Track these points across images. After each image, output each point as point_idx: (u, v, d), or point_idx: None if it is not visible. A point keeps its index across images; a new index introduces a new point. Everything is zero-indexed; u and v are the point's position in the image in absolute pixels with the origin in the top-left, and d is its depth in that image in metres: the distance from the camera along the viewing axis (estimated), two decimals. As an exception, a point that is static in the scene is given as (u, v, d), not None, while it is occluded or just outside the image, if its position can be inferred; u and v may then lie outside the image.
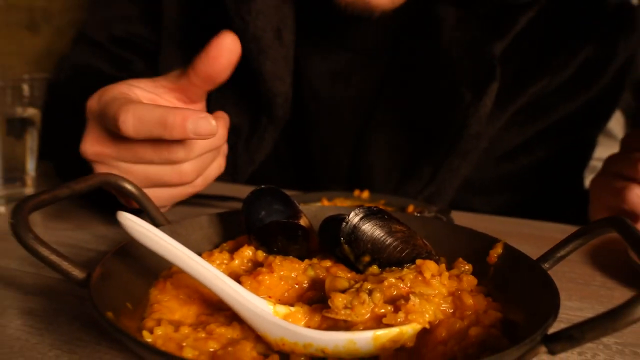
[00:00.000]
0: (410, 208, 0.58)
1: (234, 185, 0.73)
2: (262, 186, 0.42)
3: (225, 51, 0.44)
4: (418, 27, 0.67)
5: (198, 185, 0.51)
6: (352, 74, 0.72)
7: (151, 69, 0.77)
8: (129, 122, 0.42)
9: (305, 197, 0.63)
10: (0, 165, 0.64)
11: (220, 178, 0.74)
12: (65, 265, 0.31)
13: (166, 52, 0.75)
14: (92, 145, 0.47)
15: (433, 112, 0.67)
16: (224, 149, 0.52)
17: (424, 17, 0.67)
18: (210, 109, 0.72)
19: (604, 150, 0.87)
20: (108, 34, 0.77)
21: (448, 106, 0.65)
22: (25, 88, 0.63)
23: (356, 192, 0.64)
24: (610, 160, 0.56)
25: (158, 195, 0.48)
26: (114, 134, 0.45)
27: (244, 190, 0.64)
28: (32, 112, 0.65)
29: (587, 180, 0.89)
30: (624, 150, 0.55)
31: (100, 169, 0.48)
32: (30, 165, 0.66)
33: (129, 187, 0.43)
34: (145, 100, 0.47)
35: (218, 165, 0.52)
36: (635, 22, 0.68)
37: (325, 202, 0.62)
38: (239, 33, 0.64)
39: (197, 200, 0.63)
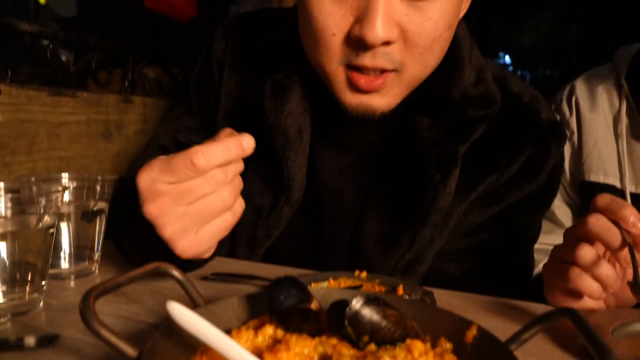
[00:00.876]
0: (400, 289, 0.57)
1: (254, 264, 0.73)
2: (283, 275, 0.42)
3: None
4: (400, 132, 0.71)
5: (237, 212, 0.53)
6: (353, 170, 0.75)
7: None
8: (201, 157, 0.46)
9: (316, 276, 0.62)
10: (73, 246, 0.65)
11: (242, 250, 0.75)
12: (121, 345, 0.31)
13: None
14: (153, 202, 0.49)
15: (411, 191, 0.69)
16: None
17: (404, 127, 0.71)
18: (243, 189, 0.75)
19: (556, 237, 0.86)
20: (173, 140, 0.81)
21: (422, 186, 0.68)
22: (98, 187, 0.65)
23: (356, 272, 0.64)
24: (555, 249, 0.57)
25: (212, 232, 0.51)
26: (169, 186, 0.48)
27: (265, 269, 0.63)
28: (102, 205, 0.66)
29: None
30: (565, 241, 0.56)
31: (161, 222, 0.49)
32: (97, 245, 0.67)
33: (175, 272, 0.43)
34: None
35: (240, 201, 0.54)
36: (562, 132, 0.72)
37: (332, 281, 0.61)
38: (272, 128, 0.70)
39: (228, 278, 0.62)
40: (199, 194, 0.49)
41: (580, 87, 0.91)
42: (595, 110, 0.87)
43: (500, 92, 0.70)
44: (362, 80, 0.60)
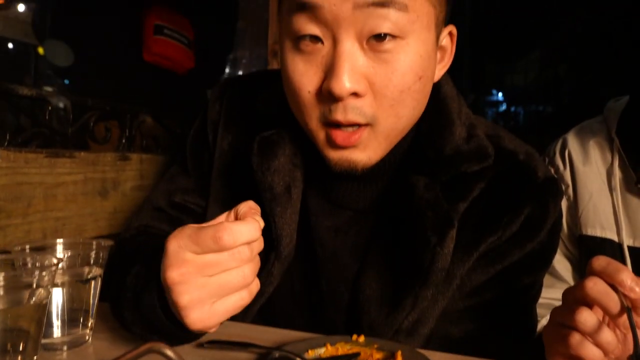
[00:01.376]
0: (399, 356, 0.56)
1: (252, 327, 0.72)
2: (276, 352, 0.42)
3: None
4: (397, 191, 0.72)
5: (253, 291, 0.54)
6: (350, 228, 0.75)
7: None
8: (228, 235, 0.48)
9: (312, 342, 0.61)
10: (66, 313, 0.64)
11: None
12: None
13: (210, 212, 0.79)
14: (177, 268, 0.50)
15: (409, 253, 0.69)
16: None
17: (401, 183, 0.71)
18: None
19: (557, 291, 0.86)
20: (168, 201, 0.81)
21: (420, 248, 0.67)
22: (93, 255, 0.64)
23: (354, 337, 0.63)
24: (555, 312, 0.56)
25: (227, 307, 0.51)
26: (195, 256, 0.49)
27: (262, 333, 0.62)
28: (97, 271, 0.66)
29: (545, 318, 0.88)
30: (564, 303, 0.55)
31: (180, 289, 0.50)
32: (92, 311, 0.66)
33: (169, 352, 0.43)
34: None
35: (257, 281, 0.55)
36: (559, 189, 0.72)
37: (329, 347, 0.60)
38: (258, 184, 0.70)
39: (224, 346, 0.61)
40: (223, 268, 0.50)
41: (573, 141, 0.91)
42: (589, 164, 0.88)
43: (495, 150, 0.71)
44: (339, 137, 0.62)
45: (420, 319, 0.69)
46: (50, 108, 0.94)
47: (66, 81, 2.13)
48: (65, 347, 0.62)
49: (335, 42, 0.58)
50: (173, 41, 1.63)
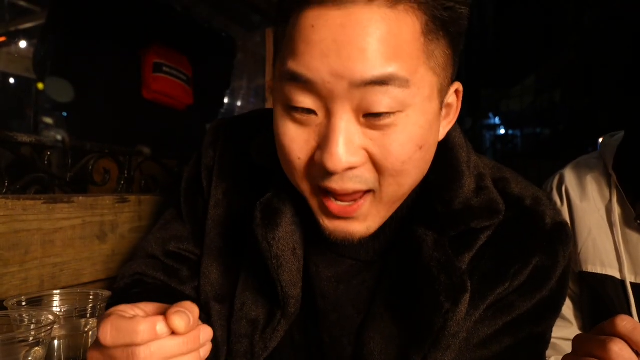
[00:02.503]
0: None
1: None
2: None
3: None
4: (403, 244, 0.69)
5: None
6: (352, 278, 0.72)
7: (194, 275, 0.79)
8: (107, 332, 0.43)
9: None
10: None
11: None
12: None
13: (205, 262, 0.77)
14: (91, 351, 0.47)
15: (418, 313, 0.66)
16: None
17: (405, 235, 0.68)
18: (236, 300, 0.73)
19: (559, 330, 0.85)
20: (163, 250, 0.80)
21: (430, 311, 0.65)
22: (90, 307, 0.64)
23: (355, 388, 0.62)
24: (579, 341, 0.54)
25: None
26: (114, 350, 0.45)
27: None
28: (94, 323, 0.65)
29: None
30: (575, 354, 0.54)
31: None
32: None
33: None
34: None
35: None
36: (568, 235, 0.70)
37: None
38: (264, 252, 0.68)
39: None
40: None
41: (570, 177, 0.91)
42: (587, 200, 0.88)
43: (500, 195, 0.69)
44: (335, 208, 0.59)
45: None
46: (49, 153, 0.94)
47: (64, 114, 2.15)
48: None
49: (329, 114, 0.55)
50: (172, 78, 1.65)
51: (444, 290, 0.64)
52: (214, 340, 0.60)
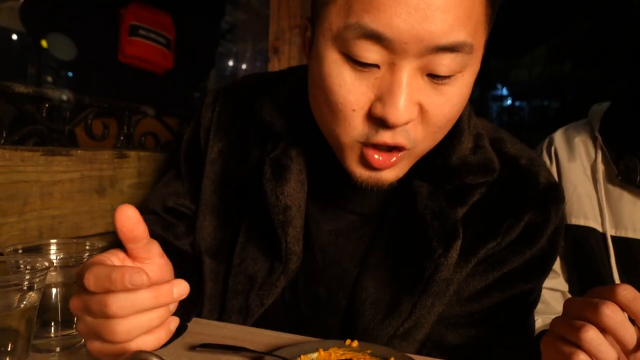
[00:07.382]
0: (391, 362, 0.56)
1: (245, 329, 0.71)
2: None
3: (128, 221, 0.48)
4: (400, 196, 0.71)
5: (131, 348, 0.47)
6: (351, 233, 0.74)
7: (190, 230, 0.81)
8: (90, 278, 0.45)
9: (305, 346, 0.61)
10: (59, 314, 0.64)
11: (234, 318, 0.73)
12: None
13: (200, 217, 0.78)
14: (73, 300, 0.49)
15: (411, 260, 0.68)
16: (171, 325, 0.50)
17: (404, 189, 0.70)
18: (235, 256, 0.74)
19: (547, 282, 0.86)
20: (162, 205, 0.82)
21: (423, 257, 0.67)
22: (86, 256, 0.64)
23: (347, 342, 0.63)
24: (556, 324, 0.54)
25: (97, 349, 0.48)
26: (85, 291, 0.47)
27: (255, 336, 0.62)
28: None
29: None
30: (567, 316, 0.54)
31: (78, 321, 0.50)
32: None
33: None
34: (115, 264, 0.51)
35: (156, 338, 0.49)
36: (561, 195, 0.71)
37: (322, 352, 0.60)
38: (271, 207, 0.69)
39: (216, 350, 0.61)
40: (93, 310, 0.47)
41: (559, 139, 0.97)
42: (573, 160, 0.93)
43: (496, 154, 0.70)
44: (375, 160, 0.59)
45: (416, 324, 0.68)
46: (47, 105, 0.93)
47: (70, 73, 2.12)
48: (58, 349, 0.62)
49: (394, 68, 0.54)
50: (149, 42, 1.57)
51: (436, 235, 0.66)
52: (194, 295, 0.60)
